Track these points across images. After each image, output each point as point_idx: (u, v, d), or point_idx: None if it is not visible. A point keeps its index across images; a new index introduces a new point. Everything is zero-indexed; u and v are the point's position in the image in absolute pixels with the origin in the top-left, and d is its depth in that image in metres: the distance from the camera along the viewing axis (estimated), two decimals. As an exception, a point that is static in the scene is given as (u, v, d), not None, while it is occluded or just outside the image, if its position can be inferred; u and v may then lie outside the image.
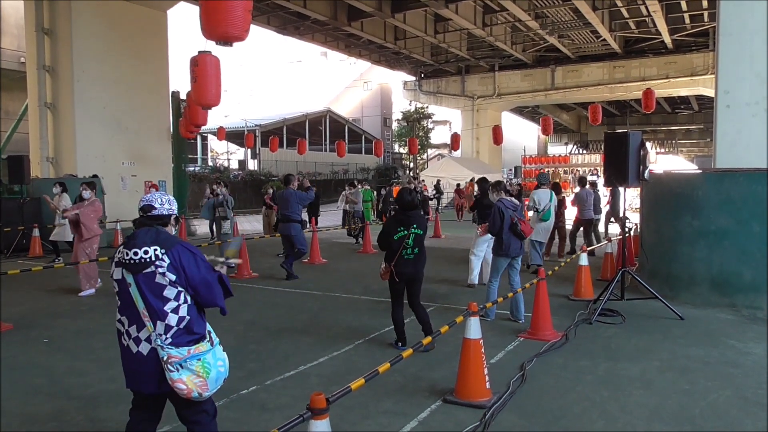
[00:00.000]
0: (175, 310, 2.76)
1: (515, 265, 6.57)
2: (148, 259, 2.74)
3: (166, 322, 2.74)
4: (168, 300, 2.75)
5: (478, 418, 3.90)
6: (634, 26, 25.10)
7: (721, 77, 8.10)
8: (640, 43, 27.29)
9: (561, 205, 10.88)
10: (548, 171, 26.03)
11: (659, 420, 3.93)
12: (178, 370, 2.68)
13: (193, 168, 30.43)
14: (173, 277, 2.75)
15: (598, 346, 5.59)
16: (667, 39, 25.13)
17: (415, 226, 5.34)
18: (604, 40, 25.68)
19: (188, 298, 2.81)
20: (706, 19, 23.05)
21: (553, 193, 9.46)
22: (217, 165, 35.75)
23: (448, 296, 7.86)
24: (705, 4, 21.32)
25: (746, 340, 5.74)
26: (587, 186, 11.37)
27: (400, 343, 5.51)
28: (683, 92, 29.80)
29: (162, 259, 2.75)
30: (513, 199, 6.80)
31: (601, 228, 12.26)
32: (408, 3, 21.91)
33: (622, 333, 6.01)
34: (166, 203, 2.94)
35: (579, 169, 28.37)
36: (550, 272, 6.56)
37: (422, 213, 6.15)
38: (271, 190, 14.61)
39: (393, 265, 5.31)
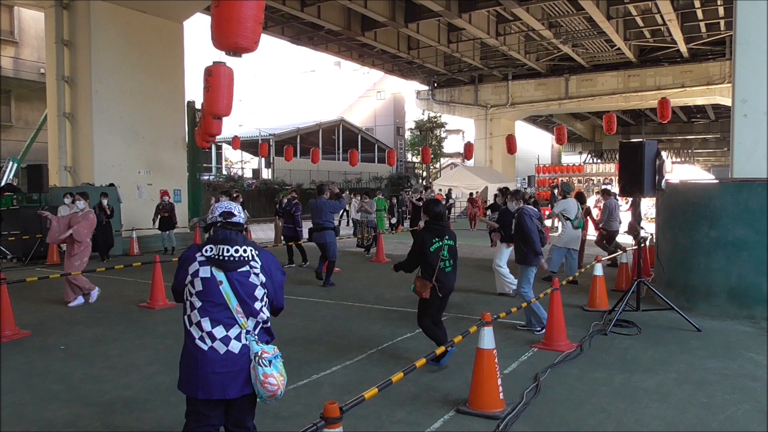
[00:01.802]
0: (262, 310, 2.83)
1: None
2: (246, 258, 2.80)
3: (257, 319, 2.81)
4: (257, 299, 2.81)
5: (492, 428, 3.88)
6: (649, 35, 24.98)
7: (738, 86, 8.01)
8: (656, 52, 27.11)
9: (588, 214, 10.77)
10: (571, 180, 25.84)
11: (676, 433, 3.87)
12: (269, 365, 2.70)
13: (207, 177, 30.72)
14: (263, 279, 2.83)
15: (613, 357, 5.53)
16: (682, 48, 24.94)
17: (447, 237, 5.22)
18: (619, 49, 25.57)
19: (267, 302, 2.89)
20: (722, 27, 22.87)
21: (578, 202, 9.41)
22: (232, 174, 36.04)
23: (462, 306, 7.83)
24: (721, 12, 21.16)
25: (765, 352, 5.64)
26: (611, 197, 11.08)
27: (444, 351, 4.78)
28: (699, 101, 29.53)
29: (255, 260, 2.82)
30: (532, 207, 6.80)
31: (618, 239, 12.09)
32: (421, 13, 22.02)
33: (638, 344, 5.94)
34: (241, 213, 3.03)
35: (593, 178, 28.13)
36: (564, 282, 6.51)
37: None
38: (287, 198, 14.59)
39: (436, 280, 5.10)
